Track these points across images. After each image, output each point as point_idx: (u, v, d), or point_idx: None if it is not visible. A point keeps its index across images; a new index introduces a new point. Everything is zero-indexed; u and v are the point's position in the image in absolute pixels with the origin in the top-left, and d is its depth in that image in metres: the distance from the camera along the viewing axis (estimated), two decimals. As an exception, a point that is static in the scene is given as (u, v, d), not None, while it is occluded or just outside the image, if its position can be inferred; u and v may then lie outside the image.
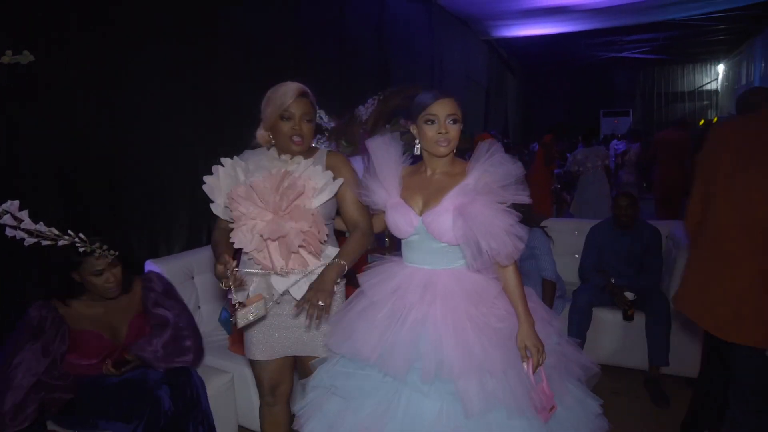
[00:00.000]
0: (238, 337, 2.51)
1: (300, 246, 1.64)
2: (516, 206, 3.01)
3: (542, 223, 3.55)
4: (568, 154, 6.29)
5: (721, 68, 15.30)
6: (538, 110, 15.01)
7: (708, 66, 15.74)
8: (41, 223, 1.51)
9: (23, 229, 1.48)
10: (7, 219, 1.45)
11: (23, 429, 1.74)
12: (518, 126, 14.13)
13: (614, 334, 3.05)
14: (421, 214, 1.62)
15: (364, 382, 1.52)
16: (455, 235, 1.54)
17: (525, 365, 1.50)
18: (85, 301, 1.97)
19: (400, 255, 1.75)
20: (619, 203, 3.12)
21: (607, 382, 2.98)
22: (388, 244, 3.15)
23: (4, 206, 1.45)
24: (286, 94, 1.71)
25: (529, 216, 3.20)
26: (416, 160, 1.76)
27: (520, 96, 14.86)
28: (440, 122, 1.59)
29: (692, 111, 15.62)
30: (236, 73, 4.25)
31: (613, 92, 16.04)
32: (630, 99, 16.06)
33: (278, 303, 1.74)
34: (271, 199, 1.63)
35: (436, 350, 1.46)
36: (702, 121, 11.73)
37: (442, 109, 1.59)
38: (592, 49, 12.69)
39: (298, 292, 1.69)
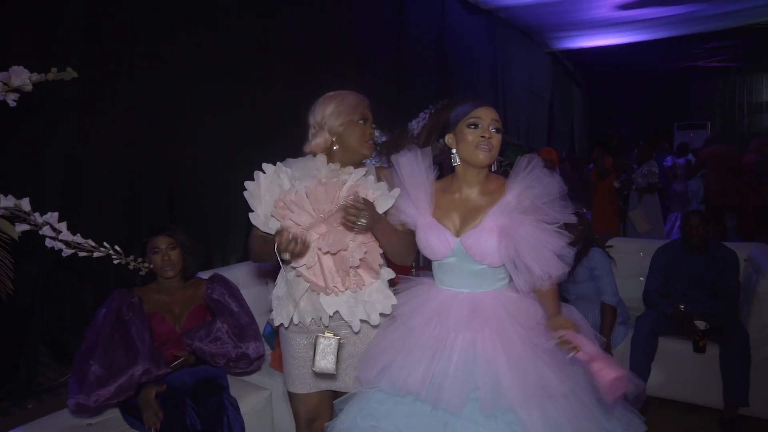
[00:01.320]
0: (280, 353, 2.48)
1: (361, 260, 1.55)
2: (573, 225, 2.83)
3: (607, 243, 3.34)
4: (635, 166, 5.92)
5: (811, 76, 14.18)
6: (607, 124, 14.36)
7: (797, 74, 14.60)
8: (78, 234, 1.54)
9: (61, 240, 1.51)
10: (46, 230, 1.48)
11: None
12: (585, 141, 13.63)
13: (683, 367, 2.77)
14: (458, 234, 1.53)
15: (410, 418, 1.42)
16: (500, 257, 1.46)
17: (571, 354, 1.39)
18: (154, 287, 2.17)
19: (428, 275, 1.65)
20: (689, 222, 2.86)
21: (675, 422, 2.72)
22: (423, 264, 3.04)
23: (45, 218, 1.48)
24: (357, 99, 1.72)
25: (588, 234, 3.01)
26: (442, 175, 1.66)
27: (586, 109, 14.36)
28: (484, 127, 1.52)
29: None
30: (292, 86, 4.31)
31: (689, 104, 15.12)
32: (707, 111, 15.10)
33: (327, 326, 1.64)
34: (327, 208, 1.55)
35: (493, 379, 1.37)
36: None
37: (487, 114, 1.53)
38: (664, 58, 12.08)
39: (350, 314, 1.59)
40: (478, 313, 1.47)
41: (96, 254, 1.57)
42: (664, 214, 6.40)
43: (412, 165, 1.58)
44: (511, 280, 1.54)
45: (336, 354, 1.58)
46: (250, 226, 4.44)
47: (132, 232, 3.21)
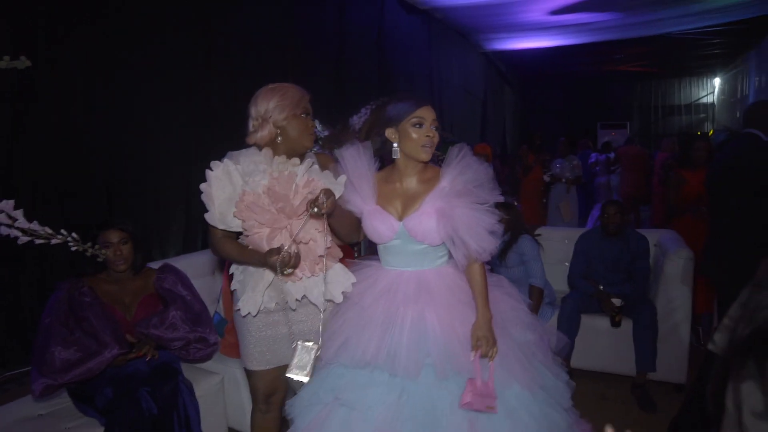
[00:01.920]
0: (229, 340, 2.54)
1: (328, 247, 1.65)
2: (507, 212, 3.07)
3: (536, 231, 3.61)
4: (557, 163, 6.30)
5: (717, 82, 15.40)
6: (536, 122, 15.06)
7: (704, 79, 15.84)
8: (35, 222, 1.56)
9: (17, 228, 1.52)
10: (2, 218, 1.50)
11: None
12: (516, 137, 14.21)
13: (602, 340, 3.08)
14: (400, 219, 1.68)
15: (369, 385, 1.55)
16: (440, 236, 1.62)
17: (473, 355, 1.55)
18: (104, 277, 2.17)
19: (371, 260, 1.80)
20: (607, 211, 3.17)
21: (595, 388, 3.02)
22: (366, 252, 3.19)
23: (0, 205, 1.50)
24: (302, 92, 1.78)
25: (518, 222, 3.25)
26: (382, 167, 1.80)
27: (517, 108, 14.97)
28: (427, 126, 1.65)
29: (689, 124, 15.71)
30: (231, 81, 4.32)
31: (610, 105, 16.13)
32: (627, 112, 16.16)
33: (294, 310, 1.75)
34: (286, 203, 1.61)
35: (443, 346, 1.52)
36: (711, 132, 11.81)
37: (429, 114, 1.66)
38: (588, 62, 12.80)
39: (317, 297, 1.69)
40: (423, 288, 1.63)
41: (53, 241, 1.60)
42: (587, 205, 6.96)
43: (356, 158, 1.71)
44: (449, 257, 1.71)
45: (313, 363, 1.65)
46: (189, 220, 4.43)
47: (70, 226, 3.17)
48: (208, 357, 2.34)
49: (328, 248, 1.67)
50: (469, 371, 1.51)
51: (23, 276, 3.22)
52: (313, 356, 1.65)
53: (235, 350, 2.44)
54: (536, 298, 3.07)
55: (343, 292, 1.72)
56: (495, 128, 12.29)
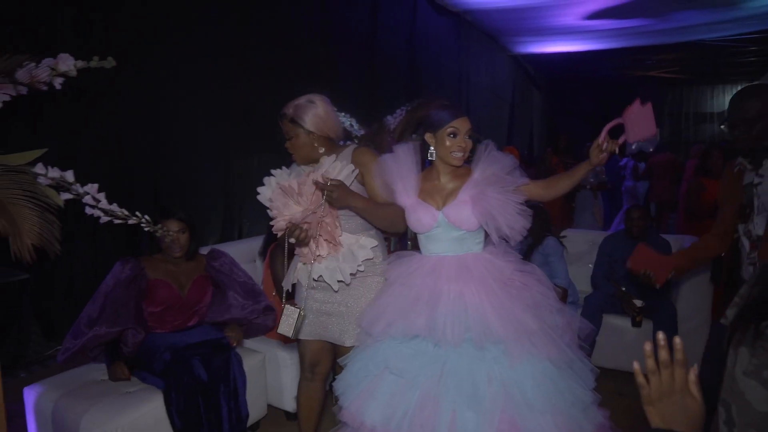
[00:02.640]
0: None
1: (319, 234, 1.86)
2: (535, 214, 3.23)
3: (561, 233, 3.72)
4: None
5: (751, 90, 15.20)
6: (564, 126, 15.02)
7: (737, 87, 15.56)
8: (115, 204, 1.75)
9: (100, 208, 1.72)
10: (87, 199, 1.70)
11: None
12: (543, 141, 14.22)
13: (623, 339, 3.19)
14: (439, 209, 1.87)
15: (416, 355, 1.74)
16: (476, 221, 1.82)
17: None
18: (160, 257, 2.39)
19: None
20: (630, 215, 3.27)
21: (614, 385, 3.12)
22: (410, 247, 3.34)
23: (86, 188, 1.70)
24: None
25: (544, 224, 3.38)
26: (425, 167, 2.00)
27: (545, 111, 14.96)
28: (461, 136, 1.85)
29: (720, 132, 15.50)
30: (267, 79, 4.52)
31: (640, 111, 16.00)
32: (657, 118, 15.88)
33: (314, 288, 1.97)
34: (296, 197, 1.86)
35: (481, 321, 1.70)
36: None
37: (463, 125, 1.86)
38: (618, 67, 12.73)
39: (330, 277, 1.90)
40: (464, 269, 1.81)
41: (130, 221, 1.79)
42: (611, 209, 7.06)
43: (404, 157, 1.91)
44: (486, 243, 1.89)
45: (295, 323, 1.90)
46: (227, 210, 4.64)
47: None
48: (271, 327, 2.55)
49: (319, 234, 1.88)
50: (503, 341, 1.67)
51: (75, 255, 3.47)
52: (296, 318, 1.90)
53: (273, 333, 2.64)
54: (560, 297, 3.18)
55: (388, 275, 1.92)
56: (522, 131, 12.33)
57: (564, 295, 3.21)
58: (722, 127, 1.98)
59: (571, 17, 7.93)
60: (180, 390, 2.04)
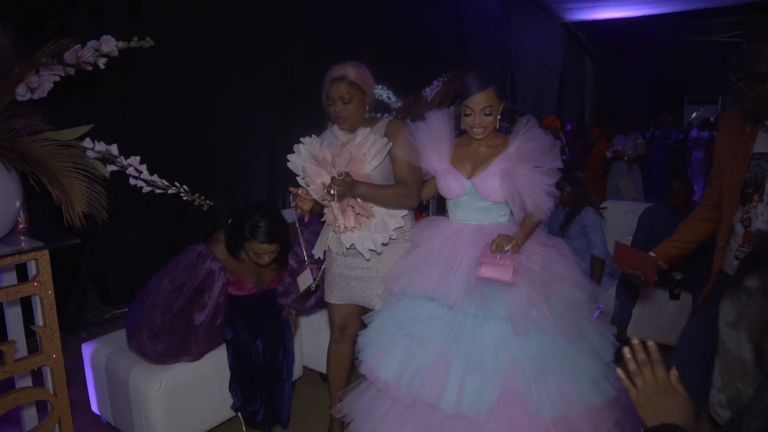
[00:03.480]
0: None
1: (350, 206, 1.92)
2: (572, 184, 3.19)
3: (602, 204, 3.67)
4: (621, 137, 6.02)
5: (827, 52, 14.07)
6: (617, 96, 14.45)
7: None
8: (156, 175, 1.89)
9: (142, 179, 1.86)
10: (131, 171, 1.84)
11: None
12: (595, 112, 13.77)
13: (661, 312, 3.14)
14: (469, 177, 1.90)
15: (432, 317, 1.81)
16: (503, 195, 1.84)
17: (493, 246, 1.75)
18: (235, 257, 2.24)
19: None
20: (672, 186, 3.18)
21: (649, 357, 3.09)
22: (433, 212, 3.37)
23: (129, 160, 1.84)
24: (326, 81, 2.01)
25: (582, 195, 3.34)
26: (461, 133, 2.01)
27: (598, 81, 14.43)
28: (475, 114, 1.85)
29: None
30: (313, 61, 4.60)
31: (701, 78, 15.12)
32: (719, 86, 15.08)
33: (345, 255, 2.05)
34: (328, 167, 1.91)
35: (488, 287, 1.73)
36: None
37: (476, 103, 1.83)
38: (677, 32, 12.08)
39: (362, 246, 1.97)
40: (483, 236, 1.85)
41: (170, 191, 1.92)
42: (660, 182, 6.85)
43: (439, 123, 1.95)
44: (510, 216, 1.92)
45: (303, 286, 2.11)
46: (271, 184, 4.80)
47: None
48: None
49: (350, 206, 1.94)
50: (511, 310, 1.71)
51: (128, 225, 3.71)
52: (308, 285, 2.10)
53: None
54: (597, 268, 3.17)
55: (414, 238, 2.00)
56: (573, 102, 11.98)
57: (601, 266, 3.18)
58: (731, 76, 1.53)
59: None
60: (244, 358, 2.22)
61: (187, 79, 3.79)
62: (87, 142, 1.81)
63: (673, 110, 14.14)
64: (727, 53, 14.79)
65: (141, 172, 1.86)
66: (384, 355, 1.83)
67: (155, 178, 1.88)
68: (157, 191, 1.90)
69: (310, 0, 4.59)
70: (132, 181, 1.87)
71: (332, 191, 1.81)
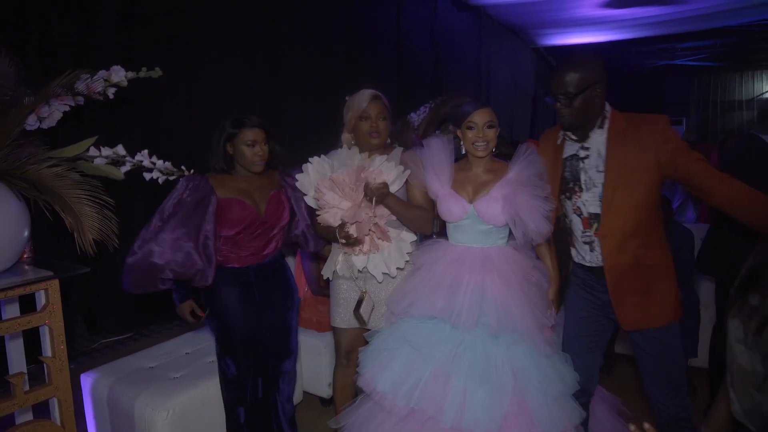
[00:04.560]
0: (302, 315, 2.88)
1: (370, 230, 1.98)
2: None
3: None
4: None
5: (781, 76, 14.82)
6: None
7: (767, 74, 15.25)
8: (168, 162, 1.95)
9: (158, 170, 1.92)
10: (146, 163, 1.90)
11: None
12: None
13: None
14: (471, 201, 1.96)
15: (433, 333, 1.87)
16: (504, 218, 1.91)
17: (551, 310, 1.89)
18: (232, 176, 2.10)
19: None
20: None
21: (635, 372, 3.18)
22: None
23: (138, 157, 1.91)
24: (362, 98, 2.08)
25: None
26: (459, 159, 2.08)
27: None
28: (479, 128, 1.93)
29: (750, 120, 15.17)
30: (298, 80, 4.67)
31: (665, 100, 15.73)
32: (683, 107, 15.72)
33: (355, 279, 2.09)
34: (349, 190, 1.97)
35: (498, 309, 1.82)
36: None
37: (481, 117, 1.93)
38: (643, 56, 12.58)
39: (375, 269, 2.02)
40: (487, 261, 1.92)
41: (187, 174, 2.00)
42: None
43: (439, 149, 2.01)
44: (510, 238, 1.98)
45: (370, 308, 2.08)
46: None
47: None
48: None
49: (371, 229, 2.01)
50: (520, 331, 1.79)
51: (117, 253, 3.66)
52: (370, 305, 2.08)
53: (308, 323, 2.78)
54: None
55: (416, 261, 2.04)
56: (545, 123, 12.28)
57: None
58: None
59: (589, 8, 7.90)
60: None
61: (172, 97, 3.79)
62: (92, 151, 1.84)
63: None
64: (690, 76, 15.50)
65: (155, 164, 1.90)
66: (383, 368, 1.88)
67: (168, 165, 1.93)
68: (171, 178, 1.94)
69: (295, 22, 4.67)
70: (147, 175, 1.91)
71: (369, 196, 1.91)
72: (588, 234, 1.86)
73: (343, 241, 1.99)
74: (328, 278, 2.19)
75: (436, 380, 1.79)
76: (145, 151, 1.91)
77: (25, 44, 3.00)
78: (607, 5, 7.85)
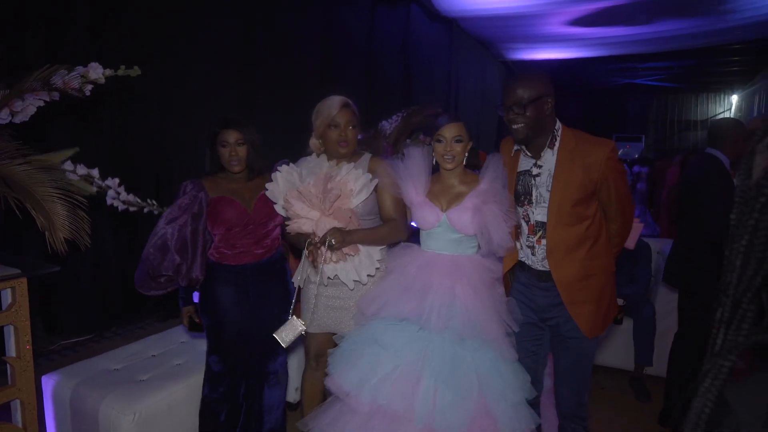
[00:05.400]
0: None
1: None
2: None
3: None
4: None
5: (734, 99, 15.50)
6: (552, 131, 15.28)
7: (722, 96, 15.95)
8: (131, 194, 1.92)
9: (121, 200, 1.89)
10: (111, 192, 1.86)
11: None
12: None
13: (604, 336, 3.36)
14: (444, 210, 2.01)
15: (402, 333, 1.91)
16: (473, 228, 1.96)
17: None
18: (222, 176, 2.20)
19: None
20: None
21: (595, 379, 3.29)
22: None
23: (107, 182, 1.86)
24: (332, 106, 2.08)
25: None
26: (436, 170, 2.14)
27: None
28: (447, 142, 1.99)
29: (703, 139, 15.86)
30: (271, 88, 4.67)
31: (626, 117, 16.30)
32: (642, 125, 16.32)
33: (326, 285, 2.10)
34: (316, 201, 1.98)
35: (466, 315, 1.87)
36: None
37: (449, 132, 2.00)
38: (606, 74, 13.01)
39: (346, 277, 2.04)
40: (456, 268, 1.97)
41: (146, 210, 1.95)
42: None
43: (417, 158, 2.06)
44: (479, 248, 2.04)
45: (295, 336, 2.03)
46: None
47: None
48: None
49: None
50: (486, 337, 1.86)
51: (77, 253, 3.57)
52: (297, 333, 2.02)
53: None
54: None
55: (388, 265, 2.07)
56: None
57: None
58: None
59: (555, 25, 8.14)
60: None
61: (146, 101, 3.74)
62: (68, 165, 1.81)
63: (602, 146, 15.05)
64: (649, 95, 16.11)
65: (119, 193, 1.88)
66: (349, 367, 1.91)
67: (131, 197, 1.91)
68: (132, 209, 1.92)
69: (269, 31, 4.66)
70: (109, 201, 1.89)
71: (330, 242, 1.90)
72: (531, 240, 1.96)
73: (306, 253, 2.00)
74: (299, 286, 2.18)
75: (406, 379, 1.83)
76: (116, 180, 1.90)
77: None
78: (574, 23, 8.12)
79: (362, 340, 1.96)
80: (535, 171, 1.94)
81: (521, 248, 2.01)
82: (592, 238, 1.88)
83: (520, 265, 2.03)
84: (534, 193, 1.94)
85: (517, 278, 2.06)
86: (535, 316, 2.00)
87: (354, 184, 2.05)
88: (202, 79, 4.10)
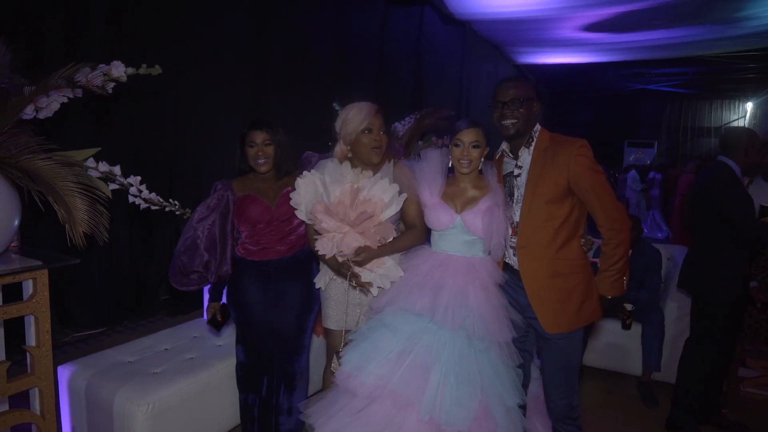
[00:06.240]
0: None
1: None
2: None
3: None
4: None
5: (749, 106, 15.35)
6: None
7: (736, 103, 15.81)
8: (154, 193, 1.95)
9: (143, 198, 1.92)
10: (133, 190, 1.90)
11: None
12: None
13: (613, 340, 3.37)
14: (458, 212, 2.04)
15: (413, 323, 1.94)
16: (484, 231, 1.99)
17: None
18: (251, 176, 2.26)
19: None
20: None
21: (603, 383, 3.31)
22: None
23: (129, 180, 1.90)
24: (365, 111, 2.06)
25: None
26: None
27: (546, 122, 15.07)
28: (464, 147, 2.02)
29: (717, 147, 15.71)
30: (283, 87, 4.71)
31: (639, 123, 16.21)
32: (655, 131, 16.22)
33: (355, 288, 2.13)
34: (347, 216, 1.97)
35: (478, 315, 1.91)
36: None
37: (467, 137, 2.02)
38: (619, 79, 12.94)
39: (374, 284, 2.06)
40: (470, 268, 2.01)
41: (167, 209, 1.99)
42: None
43: (437, 160, 2.10)
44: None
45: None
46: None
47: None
48: None
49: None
50: (493, 339, 1.89)
51: (92, 246, 3.64)
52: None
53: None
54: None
55: (403, 264, 2.10)
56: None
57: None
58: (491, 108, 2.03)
59: (568, 30, 8.12)
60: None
61: (159, 98, 3.79)
62: (90, 162, 1.85)
63: (614, 152, 15.05)
64: (663, 101, 16.02)
65: (141, 191, 1.92)
66: (350, 349, 1.98)
67: (153, 196, 1.95)
68: (154, 208, 1.96)
69: (282, 33, 4.70)
70: (131, 199, 1.92)
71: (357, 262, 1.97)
72: (513, 240, 2.00)
73: (352, 283, 2.05)
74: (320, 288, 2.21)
75: (417, 367, 1.87)
76: (138, 178, 1.94)
77: (11, 41, 2.98)
78: (587, 29, 8.10)
79: (369, 327, 2.02)
80: (516, 171, 2.01)
81: (506, 249, 2.04)
82: (564, 237, 1.90)
83: (505, 266, 2.07)
84: (516, 194, 2.00)
85: (504, 279, 2.10)
86: (519, 314, 2.04)
87: (383, 196, 2.02)
88: (214, 79, 4.15)
